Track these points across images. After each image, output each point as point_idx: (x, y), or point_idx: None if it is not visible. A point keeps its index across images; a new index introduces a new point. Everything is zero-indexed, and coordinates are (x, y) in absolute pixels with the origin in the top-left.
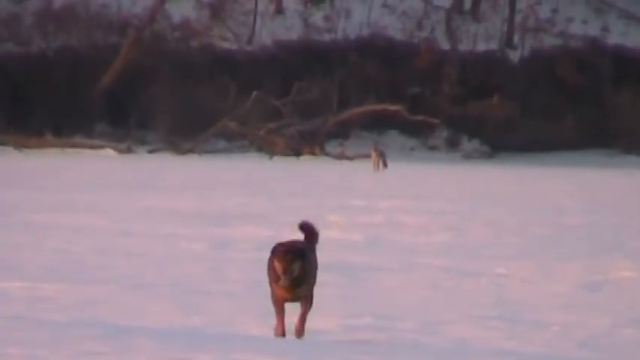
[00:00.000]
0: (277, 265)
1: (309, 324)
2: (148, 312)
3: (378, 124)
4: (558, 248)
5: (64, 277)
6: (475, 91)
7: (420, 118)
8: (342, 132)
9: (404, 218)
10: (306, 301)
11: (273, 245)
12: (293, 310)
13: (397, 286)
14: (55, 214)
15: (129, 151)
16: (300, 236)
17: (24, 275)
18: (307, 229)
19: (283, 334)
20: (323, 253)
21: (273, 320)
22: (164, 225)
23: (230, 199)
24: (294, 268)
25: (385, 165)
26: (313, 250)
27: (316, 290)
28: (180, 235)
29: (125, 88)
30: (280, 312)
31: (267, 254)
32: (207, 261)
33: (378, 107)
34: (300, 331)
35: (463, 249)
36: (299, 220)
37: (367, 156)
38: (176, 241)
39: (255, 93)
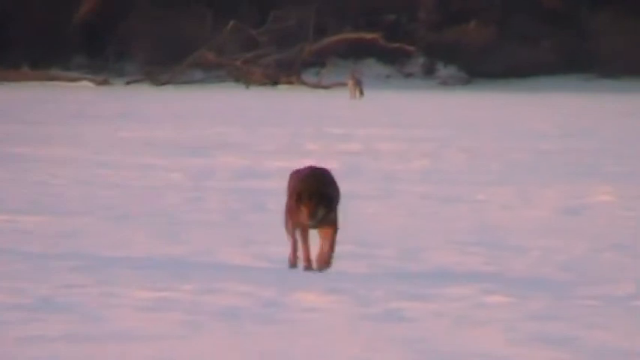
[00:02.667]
0: (303, 209)
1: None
2: (129, 243)
3: (355, 52)
4: (537, 173)
5: (45, 209)
6: (452, 16)
7: (396, 45)
8: (318, 61)
9: (381, 146)
10: (333, 229)
11: (298, 173)
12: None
13: (376, 213)
14: (34, 147)
15: (106, 82)
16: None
17: (4, 208)
18: None
19: (309, 262)
20: None
21: (252, 248)
22: (143, 156)
23: (208, 129)
24: (319, 211)
25: (362, 93)
26: (334, 180)
27: None
28: (158, 165)
29: (101, 19)
30: (305, 240)
31: (245, 183)
32: (186, 191)
33: (355, 35)
34: (326, 261)
35: (441, 175)
36: (277, 149)
37: (344, 84)
38: (155, 171)
39: (231, 22)
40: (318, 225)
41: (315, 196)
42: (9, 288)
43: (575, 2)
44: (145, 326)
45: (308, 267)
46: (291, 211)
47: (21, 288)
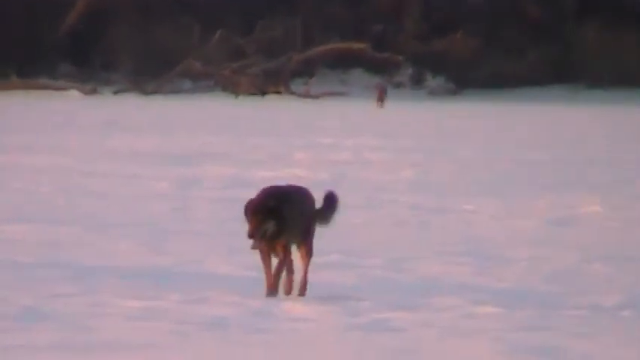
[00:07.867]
0: (248, 224)
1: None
2: (114, 252)
3: (343, 62)
4: (525, 184)
5: (30, 217)
6: (439, 27)
7: (384, 55)
8: (306, 70)
9: (370, 156)
10: (305, 254)
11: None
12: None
13: (364, 223)
14: (20, 155)
15: (94, 92)
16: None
17: None
18: (329, 200)
19: (273, 288)
20: None
21: (239, 258)
22: (129, 165)
23: (195, 139)
24: (266, 227)
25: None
26: (304, 199)
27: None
28: (145, 174)
29: (89, 28)
30: (267, 265)
31: (233, 193)
32: (172, 200)
33: (343, 46)
34: (301, 288)
35: (430, 186)
36: (265, 158)
37: (332, 94)
38: (141, 180)
39: (219, 32)
40: (272, 245)
41: (260, 212)
42: None
43: (561, 14)
44: (132, 336)
45: (270, 293)
46: None
47: (5, 297)
